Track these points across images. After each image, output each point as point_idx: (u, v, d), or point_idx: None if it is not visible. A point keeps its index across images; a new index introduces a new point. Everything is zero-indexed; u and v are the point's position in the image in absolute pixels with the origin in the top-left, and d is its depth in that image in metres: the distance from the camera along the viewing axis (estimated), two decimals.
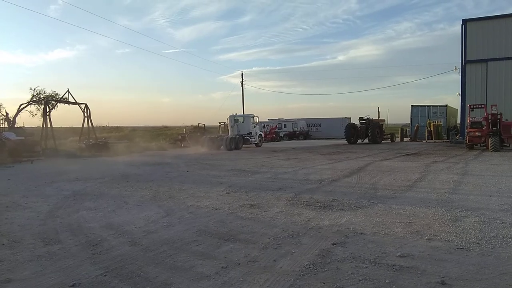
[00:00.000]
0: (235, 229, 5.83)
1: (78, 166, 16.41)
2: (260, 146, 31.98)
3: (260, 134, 33.86)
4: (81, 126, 25.85)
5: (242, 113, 32.62)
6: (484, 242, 5.03)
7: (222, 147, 28.12)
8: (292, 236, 5.41)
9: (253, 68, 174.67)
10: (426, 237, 5.27)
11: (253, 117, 32.46)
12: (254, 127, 32.16)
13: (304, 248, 4.88)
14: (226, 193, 9.11)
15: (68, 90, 24.89)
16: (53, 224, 6.41)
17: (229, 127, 32.03)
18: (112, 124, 71.50)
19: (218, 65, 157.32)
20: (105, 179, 11.89)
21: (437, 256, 4.54)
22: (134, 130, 60.79)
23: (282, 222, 6.24)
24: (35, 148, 21.95)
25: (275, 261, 4.46)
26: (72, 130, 34.92)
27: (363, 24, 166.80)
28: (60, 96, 27.96)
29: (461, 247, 4.86)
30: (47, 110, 24.19)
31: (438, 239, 5.21)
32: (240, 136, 30.23)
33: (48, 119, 23.59)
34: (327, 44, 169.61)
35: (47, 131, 23.42)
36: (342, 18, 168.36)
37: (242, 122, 31.52)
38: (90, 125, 25.77)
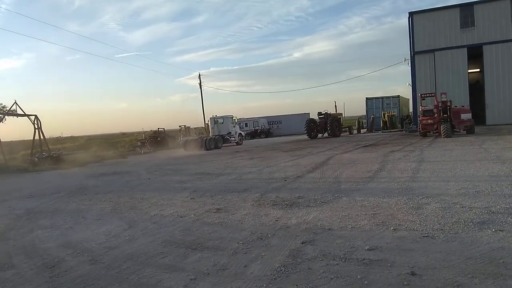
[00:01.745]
0: (203, 237, 5.65)
1: (31, 182, 15.52)
2: (240, 145, 33.51)
3: (240, 133, 35.56)
4: (32, 138, 24.53)
5: (216, 115, 34.29)
6: (447, 228, 5.16)
7: (202, 148, 29.23)
8: (261, 239, 5.31)
9: (211, 68, 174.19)
10: (391, 228, 5.34)
11: (232, 117, 34.29)
12: (234, 126, 34.00)
13: (274, 250, 4.80)
14: (191, 198, 8.88)
15: (15, 102, 23.55)
16: (5, 247, 5.95)
17: (210, 128, 34.03)
18: (66, 134, 68.81)
19: (175, 67, 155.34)
20: (60, 194, 11.28)
21: (404, 246, 4.59)
22: (90, 139, 58.68)
23: (250, 225, 6.13)
24: None
25: (245, 266, 4.34)
26: (23, 143, 33.07)
27: (316, 20, 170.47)
28: (8, 109, 26.42)
29: (426, 235, 4.95)
30: None
31: (404, 228, 5.29)
32: (220, 137, 31.93)
33: None
34: (283, 42, 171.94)
35: None
36: (295, 15, 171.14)
37: (222, 123, 33.16)
38: (41, 137, 24.50)
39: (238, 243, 5.18)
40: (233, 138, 33.56)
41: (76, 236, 6.31)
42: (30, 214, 8.50)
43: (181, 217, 7.07)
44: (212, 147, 29.87)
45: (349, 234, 5.21)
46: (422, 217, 5.77)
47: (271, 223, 6.12)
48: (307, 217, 6.28)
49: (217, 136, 31.77)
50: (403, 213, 6.09)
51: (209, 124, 34.42)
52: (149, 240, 5.67)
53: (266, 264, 4.37)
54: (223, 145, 32.00)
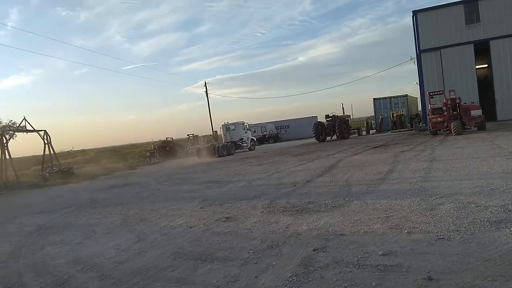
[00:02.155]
0: (212, 247, 5.56)
1: (42, 197, 15.60)
2: (253, 150, 34.02)
3: (252, 139, 36.12)
4: (42, 154, 24.76)
5: (228, 122, 34.89)
6: (463, 228, 5.01)
7: (215, 155, 29.78)
8: (272, 247, 5.20)
9: (217, 76, 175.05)
10: (405, 231, 5.19)
11: (243, 123, 34.82)
12: (245, 132, 34.55)
13: (285, 259, 4.68)
14: (200, 208, 8.81)
15: (24, 118, 23.86)
16: (16, 266, 5.92)
17: (222, 135, 34.68)
18: (77, 148, 69.37)
19: (181, 76, 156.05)
20: (71, 208, 11.29)
21: (420, 250, 4.45)
22: (100, 151, 59.08)
23: (260, 233, 6.03)
24: None
25: (256, 277, 4.23)
26: (34, 159, 33.43)
27: (319, 23, 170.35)
28: (17, 125, 26.75)
29: (441, 237, 4.81)
30: (4, 141, 23.02)
31: (418, 231, 5.15)
32: (232, 143, 32.47)
33: (6, 150, 22.44)
34: (287, 47, 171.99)
35: (6, 163, 22.26)
36: (298, 19, 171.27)
37: (234, 129, 33.76)
38: (51, 152, 24.70)
39: (248, 252, 5.08)
40: (246, 144, 34.07)
41: (86, 251, 6.26)
42: (41, 230, 8.50)
43: (191, 227, 6.99)
44: (224, 153, 30.31)
45: (362, 239, 5.08)
46: (437, 218, 5.62)
47: (282, 230, 6.01)
48: (318, 223, 6.15)
49: (229, 143, 32.28)
50: (416, 215, 5.94)
51: (221, 131, 34.94)
52: (159, 253, 5.59)
53: (277, 274, 4.26)
54: (235, 151, 32.45)
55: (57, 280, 4.97)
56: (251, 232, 6.16)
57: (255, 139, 37.67)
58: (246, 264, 4.68)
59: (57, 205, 12.32)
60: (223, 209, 8.33)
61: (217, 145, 31.46)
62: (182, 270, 4.75)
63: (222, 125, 34.99)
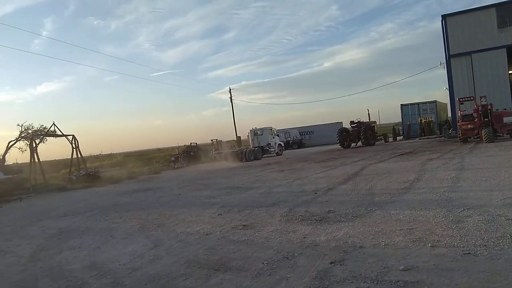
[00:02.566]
0: (227, 256, 5.44)
1: (68, 200, 15.92)
2: (280, 155, 34.39)
3: (280, 144, 36.62)
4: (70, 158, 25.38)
5: (256, 127, 35.63)
6: (491, 243, 4.70)
7: (243, 159, 30.61)
8: (287, 258, 5.03)
9: (242, 82, 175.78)
10: (429, 245, 4.92)
11: (271, 129, 35.46)
12: (273, 138, 35.15)
13: (300, 271, 4.51)
14: (218, 214, 8.71)
15: (54, 123, 24.53)
16: (34, 270, 5.97)
17: (250, 140, 35.56)
18: (105, 151, 71.01)
19: (207, 83, 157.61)
20: (94, 212, 11.44)
21: (443, 266, 4.19)
22: (127, 155, 60.25)
23: (276, 242, 5.86)
24: (24, 185, 21.46)
25: None
26: (64, 163, 34.32)
27: (346, 29, 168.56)
28: (47, 130, 27.56)
29: (467, 252, 4.52)
30: (34, 145, 23.75)
31: (442, 245, 4.86)
32: (259, 148, 33.12)
33: (35, 154, 23.12)
34: (313, 52, 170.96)
35: (35, 166, 22.92)
36: (325, 25, 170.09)
37: (261, 134, 34.45)
38: (79, 156, 25.29)
39: (263, 263, 4.93)
40: (273, 149, 34.57)
41: (102, 256, 6.26)
42: (62, 234, 8.61)
43: (207, 234, 6.89)
44: (251, 158, 30.96)
45: (382, 252, 4.84)
46: (463, 231, 5.31)
47: (299, 240, 5.82)
48: (337, 234, 5.93)
49: (257, 148, 32.94)
50: (442, 227, 5.64)
51: (249, 136, 35.62)
52: (173, 260, 5.51)
53: (291, 287, 4.09)
54: (263, 156, 32.91)
55: (71, 286, 4.96)
56: (267, 241, 6.00)
57: (282, 144, 37.98)
58: (259, 275, 4.53)
59: (81, 209, 12.52)
60: (241, 216, 8.21)
61: (245, 150, 32.15)
62: (194, 280, 4.64)
63: (250, 131, 35.61)
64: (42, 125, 33.80)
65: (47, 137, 29.69)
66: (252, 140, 34.83)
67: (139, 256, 5.96)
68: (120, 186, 20.18)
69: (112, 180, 23.51)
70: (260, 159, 31.20)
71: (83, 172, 24.20)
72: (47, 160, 38.85)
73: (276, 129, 51.27)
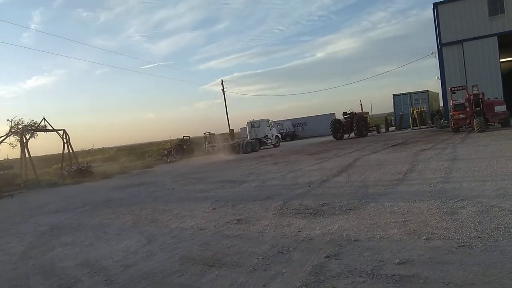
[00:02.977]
0: (221, 251, 5.39)
1: (60, 196, 15.77)
2: (278, 147, 34.95)
3: (277, 135, 37.15)
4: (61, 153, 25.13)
5: (253, 119, 36.12)
6: (486, 235, 4.70)
7: (240, 151, 30.97)
8: (282, 253, 5.00)
9: (234, 74, 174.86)
10: (424, 237, 4.91)
11: (268, 121, 35.84)
12: (270, 129, 35.64)
13: (295, 266, 4.48)
14: (212, 209, 8.66)
15: (44, 118, 24.24)
16: (25, 267, 5.89)
17: (247, 132, 35.85)
18: (97, 146, 70.52)
19: (199, 75, 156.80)
20: (86, 208, 11.33)
21: (439, 258, 4.18)
22: (119, 150, 59.90)
23: (271, 237, 5.83)
24: (15, 181, 21.22)
25: (264, 286, 4.04)
26: (55, 158, 33.99)
27: (338, 18, 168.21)
28: (37, 125, 27.24)
29: (462, 244, 4.51)
30: (24, 140, 23.44)
31: (437, 237, 4.86)
32: (257, 140, 33.44)
33: (26, 149, 22.84)
34: (305, 42, 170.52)
35: (26, 162, 22.66)
36: (317, 15, 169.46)
37: (258, 126, 34.94)
38: (70, 151, 25.05)
39: (258, 258, 4.89)
40: (270, 141, 35.06)
41: (95, 253, 6.19)
42: (54, 230, 8.51)
43: (201, 229, 6.84)
44: (249, 150, 31.23)
45: (377, 246, 4.82)
46: (457, 223, 5.31)
47: (293, 234, 5.79)
48: (331, 227, 5.91)
49: (254, 140, 33.24)
50: (436, 219, 5.64)
51: (247, 128, 36.06)
52: (167, 257, 5.46)
53: (286, 282, 4.05)
54: (260, 148, 33.22)
55: (63, 284, 4.89)
56: (262, 235, 5.97)
57: (279, 136, 38.34)
58: (254, 271, 4.49)
59: (73, 205, 12.40)
60: (235, 210, 8.16)
61: (242, 142, 32.45)
62: (188, 276, 4.60)
63: (247, 123, 35.97)
64: (33, 120, 33.38)
65: (37, 132, 29.32)
66: (249, 132, 35.12)
67: (132, 253, 5.89)
68: (113, 181, 20.03)
69: (104, 175, 23.33)
70: (257, 151, 31.44)
71: (75, 167, 23.98)
72: (38, 155, 38.60)
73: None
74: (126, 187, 15.84)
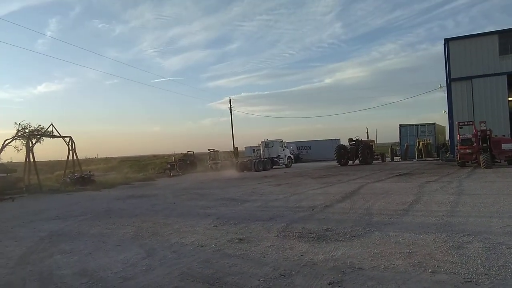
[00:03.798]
0: (222, 270, 5.30)
1: (61, 203, 15.71)
2: (289, 167, 35.45)
3: (290, 156, 37.68)
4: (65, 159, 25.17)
5: (267, 139, 37.06)
6: (493, 272, 4.60)
7: (252, 169, 31.88)
8: (284, 276, 4.91)
9: (242, 93, 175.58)
10: (429, 270, 4.81)
11: (282, 141, 36.95)
12: (283, 150, 36.45)
13: None
14: (214, 226, 8.58)
15: (51, 124, 24.37)
16: (22, 273, 5.81)
17: (261, 151, 36.40)
18: (101, 155, 70.75)
19: (207, 92, 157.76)
20: (86, 216, 11.26)
21: None
22: (123, 160, 59.94)
23: (273, 259, 5.74)
24: (17, 185, 21.20)
25: None
26: (59, 164, 34.06)
27: (348, 47, 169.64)
28: (44, 130, 27.38)
29: (468, 280, 4.41)
30: (30, 144, 23.53)
31: (443, 271, 4.76)
32: (269, 159, 34.29)
33: (31, 153, 22.89)
34: (314, 68, 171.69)
35: (30, 166, 22.68)
36: (327, 42, 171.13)
37: (272, 146, 35.83)
38: (75, 158, 25.09)
39: (259, 280, 4.80)
40: (282, 161, 35.79)
41: (94, 263, 6.10)
42: (53, 237, 8.44)
43: (202, 246, 6.76)
44: (260, 168, 32.04)
45: (382, 276, 4.73)
46: (464, 258, 5.21)
47: (296, 258, 5.70)
48: (335, 253, 5.82)
49: (266, 159, 34.09)
50: (442, 252, 5.54)
51: (260, 147, 36.74)
52: (166, 272, 5.37)
53: None
54: (272, 167, 33.97)
55: None
56: (264, 257, 5.88)
57: (292, 157, 38.72)
58: None
59: (74, 212, 12.34)
60: (237, 229, 8.08)
61: (254, 160, 33.21)
62: None
63: (261, 142, 36.84)
64: (40, 125, 33.57)
65: (44, 137, 29.45)
66: (263, 151, 35.92)
67: (131, 265, 5.81)
68: (114, 191, 19.96)
69: (107, 185, 23.28)
70: (268, 170, 32.15)
71: (78, 174, 23.96)
72: (42, 160, 38.65)
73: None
74: (128, 198, 15.77)
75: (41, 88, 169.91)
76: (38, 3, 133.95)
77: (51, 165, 42.45)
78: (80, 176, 23.63)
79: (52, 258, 6.60)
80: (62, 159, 30.87)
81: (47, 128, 24.98)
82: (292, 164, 37.43)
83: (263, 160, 33.57)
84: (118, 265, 5.88)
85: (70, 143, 24.65)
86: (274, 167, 34.37)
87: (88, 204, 14.66)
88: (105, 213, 11.68)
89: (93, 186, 22.48)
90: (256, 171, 31.20)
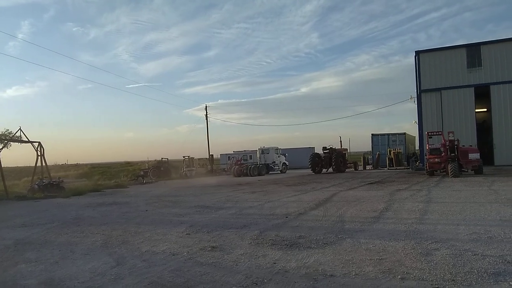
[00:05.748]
0: (193, 279, 5.22)
1: (28, 210, 15.14)
2: (284, 173, 37.09)
3: (285, 163, 39.63)
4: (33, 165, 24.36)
5: (264, 146, 39.52)
6: (459, 278, 4.72)
7: (248, 174, 33.54)
8: (256, 284, 4.88)
9: (219, 100, 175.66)
10: (399, 276, 4.90)
11: (277, 148, 39.34)
12: (278, 156, 38.60)
13: None
14: (187, 234, 8.47)
15: (20, 128, 23.58)
16: None
17: (257, 157, 39.21)
18: (72, 161, 68.93)
19: (184, 98, 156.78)
20: (54, 224, 10.90)
21: None
22: (94, 167, 58.58)
23: (245, 267, 5.70)
24: None
25: None
26: (27, 170, 32.94)
27: (324, 57, 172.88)
28: (12, 135, 26.46)
29: (436, 286, 4.51)
30: None
31: (412, 277, 4.85)
32: (264, 165, 36.18)
33: None
34: (291, 77, 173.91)
35: None
36: (304, 52, 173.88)
37: (268, 153, 38.09)
38: (43, 164, 24.32)
39: None
40: (277, 167, 37.70)
41: (60, 272, 5.90)
42: (18, 245, 8.11)
43: (174, 255, 6.65)
44: (255, 174, 33.95)
45: (353, 282, 4.77)
46: (432, 264, 5.33)
47: (269, 265, 5.69)
48: (307, 260, 5.84)
49: (262, 165, 35.91)
50: (411, 259, 5.65)
51: (257, 153, 39.21)
52: (136, 281, 5.24)
53: None
54: (268, 173, 35.73)
55: None
56: (236, 265, 5.84)
57: (287, 163, 40.14)
58: None
59: (41, 220, 11.91)
60: (210, 237, 8.00)
61: (250, 166, 34.90)
62: None
63: (258, 148, 39.09)
64: (7, 130, 32.39)
65: (11, 142, 28.42)
66: (259, 157, 38.35)
67: (99, 274, 5.64)
68: (84, 198, 19.43)
69: (76, 192, 22.56)
70: (263, 175, 33.56)
71: (46, 181, 23.20)
72: (9, 166, 37.29)
73: (249, 150, 51.55)
74: (98, 206, 15.38)
75: (11, 92, 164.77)
76: (10, 5, 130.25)
77: (19, 171, 41.03)
78: (48, 182, 22.86)
79: (17, 267, 6.34)
80: (30, 165, 29.85)
81: (15, 132, 24.16)
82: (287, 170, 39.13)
83: (259, 166, 35.18)
84: (85, 274, 5.70)
85: (39, 149, 23.90)
86: (270, 172, 36.05)
87: (56, 211, 14.19)
88: (74, 221, 11.33)
89: (62, 193, 21.78)
90: (251, 176, 33.06)
